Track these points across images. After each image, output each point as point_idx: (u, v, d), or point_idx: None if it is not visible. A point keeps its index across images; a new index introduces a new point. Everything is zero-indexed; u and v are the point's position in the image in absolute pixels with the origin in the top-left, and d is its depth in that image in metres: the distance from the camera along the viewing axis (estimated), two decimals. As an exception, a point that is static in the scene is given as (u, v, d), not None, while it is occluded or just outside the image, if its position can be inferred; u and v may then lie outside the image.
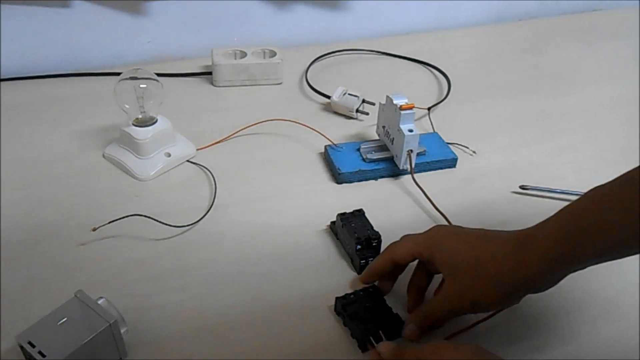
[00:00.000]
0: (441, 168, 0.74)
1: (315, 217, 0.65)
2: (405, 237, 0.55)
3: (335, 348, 0.52)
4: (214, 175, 0.70)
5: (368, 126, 0.81)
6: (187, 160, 0.73)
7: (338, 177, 0.71)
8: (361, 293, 0.55)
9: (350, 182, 0.71)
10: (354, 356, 0.52)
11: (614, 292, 0.58)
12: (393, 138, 0.70)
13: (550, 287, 0.48)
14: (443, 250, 0.51)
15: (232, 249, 0.61)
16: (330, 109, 0.84)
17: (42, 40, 0.90)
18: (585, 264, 0.45)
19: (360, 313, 0.53)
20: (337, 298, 0.54)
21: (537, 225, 0.48)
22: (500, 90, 0.93)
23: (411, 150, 0.69)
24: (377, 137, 0.75)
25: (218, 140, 0.76)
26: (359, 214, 0.62)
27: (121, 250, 0.60)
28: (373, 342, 0.50)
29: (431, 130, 0.79)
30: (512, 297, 0.48)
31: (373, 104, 0.81)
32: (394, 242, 0.55)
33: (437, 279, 0.55)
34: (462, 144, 0.77)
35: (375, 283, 0.56)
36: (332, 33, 1.05)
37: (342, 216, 0.61)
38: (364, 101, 0.82)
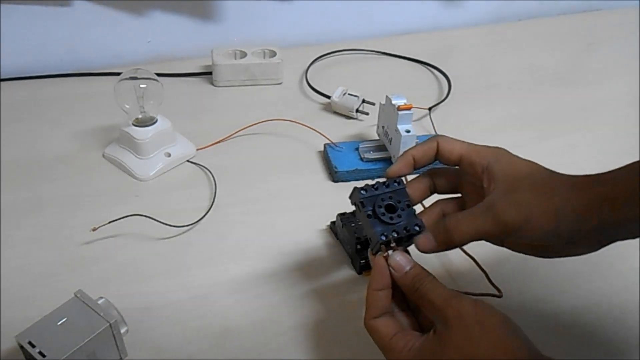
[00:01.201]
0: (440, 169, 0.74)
1: (315, 217, 0.65)
2: None
3: (339, 340, 0.52)
4: (214, 175, 0.70)
5: (368, 126, 0.81)
6: (187, 160, 0.73)
7: (335, 175, 0.71)
8: (385, 187, 0.48)
9: (347, 181, 0.71)
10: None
11: (614, 292, 0.58)
12: (391, 138, 0.70)
13: (590, 250, 0.44)
14: (508, 162, 0.45)
15: (231, 248, 0.61)
16: (330, 109, 0.84)
17: (42, 40, 0.90)
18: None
19: (380, 212, 0.46)
20: (355, 187, 0.47)
21: (604, 173, 0.44)
22: (500, 90, 0.93)
23: (408, 151, 0.69)
24: (378, 137, 0.75)
25: (218, 140, 0.76)
26: (359, 213, 0.62)
27: (121, 250, 0.60)
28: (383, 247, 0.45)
29: (432, 130, 0.79)
30: (562, 236, 0.43)
31: (373, 104, 0.81)
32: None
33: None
34: (462, 144, 0.77)
35: (404, 182, 0.49)
36: (332, 33, 1.05)
37: (342, 216, 0.61)
38: (364, 101, 0.82)
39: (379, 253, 0.45)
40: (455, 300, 0.40)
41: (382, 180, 0.48)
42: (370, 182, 0.48)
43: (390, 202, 0.47)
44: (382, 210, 0.47)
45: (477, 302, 0.40)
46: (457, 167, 0.49)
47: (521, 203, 0.43)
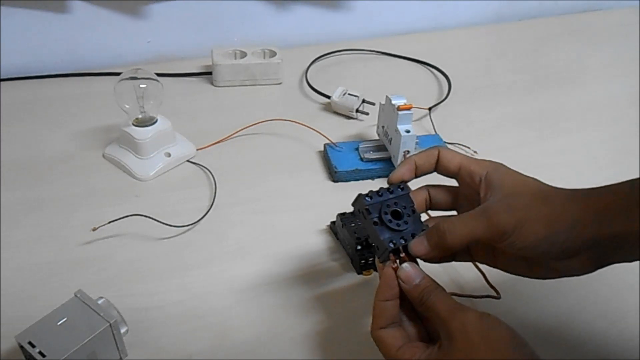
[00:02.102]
0: (441, 169, 0.74)
1: (315, 217, 0.65)
2: None
3: (339, 341, 0.52)
4: (214, 175, 0.70)
5: (368, 126, 0.81)
6: (187, 160, 0.73)
7: (334, 175, 0.71)
8: (390, 193, 0.47)
9: (347, 181, 0.71)
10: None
11: (614, 292, 0.58)
12: (391, 138, 0.70)
13: (585, 270, 0.44)
14: (506, 174, 0.45)
15: (231, 248, 0.61)
16: (330, 109, 0.84)
17: (42, 40, 0.90)
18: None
19: (386, 219, 0.46)
20: (359, 194, 0.47)
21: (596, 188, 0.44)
22: (500, 90, 0.93)
23: (408, 151, 0.69)
24: (378, 137, 0.75)
25: (218, 140, 0.76)
26: (359, 214, 0.62)
27: (121, 250, 0.60)
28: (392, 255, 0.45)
29: (432, 130, 0.79)
30: (555, 245, 0.42)
31: (373, 104, 0.81)
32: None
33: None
34: (463, 144, 0.77)
35: (408, 187, 0.49)
36: (332, 33, 1.05)
37: (342, 216, 0.61)
38: (364, 101, 0.82)
39: (387, 262, 0.45)
40: (461, 313, 0.40)
41: (385, 186, 0.48)
42: (374, 188, 0.48)
43: (395, 209, 0.46)
44: (389, 217, 0.46)
45: (483, 316, 0.40)
46: (454, 178, 0.49)
47: (515, 207, 0.43)
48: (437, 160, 0.49)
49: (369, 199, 0.46)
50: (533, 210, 0.42)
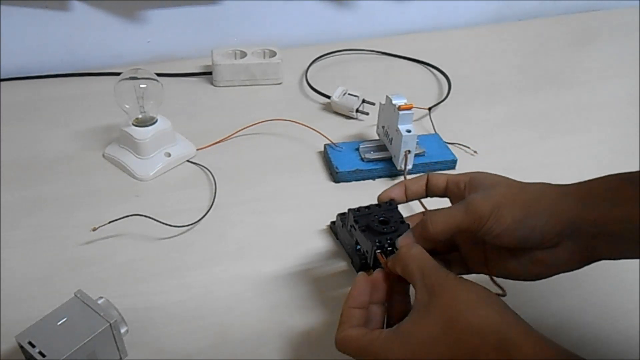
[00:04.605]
0: (440, 169, 0.73)
1: (315, 217, 0.65)
2: None
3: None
4: (214, 175, 0.70)
5: (368, 126, 0.81)
6: (187, 160, 0.73)
7: (336, 175, 0.71)
8: (378, 207, 0.52)
9: (348, 181, 0.71)
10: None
11: (614, 292, 0.58)
12: (392, 138, 0.70)
13: (572, 265, 0.46)
14: (488, 176, 0.49)
15: (231, 248, 0.61)
16: (330, 109, 0.84)
17: (42, 40, 0.90)
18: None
19: (374, 225, 0.50)
20: (349, 209, 0.52)
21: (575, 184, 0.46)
22: (500, 90, 0.93)
23: (409, 151, 0.69)
24: (378, 137, 0.75)
25: (218, 140, 0.76)
26: (359, 214, 0.62)
27: (121, 250, 0.60)
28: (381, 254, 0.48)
29: (432, 131, 0.79)
30: (534, 230, 0.44)
31: (373, 104, 0.81)
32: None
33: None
34: (463, 144, 0.77)
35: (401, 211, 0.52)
36: (332, 33, 1.05)
37: (342, 216, 0.61)
38: (364, 101, 0.82)
39: (376, 269, 0.47)
40: (441, 270, 0.42)
41: (374, 203, 0.52)
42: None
43: (383, 218, 0.51)
44: (376, 223, 0.50)
45: (458, 276, 0.42)
46: (445, 195, 0.51)
47: (493, 195, 0.45)
48: (427, 183, 0.52)
49: (358, 212, 0.52)
50: (510, 197, 0.45)
